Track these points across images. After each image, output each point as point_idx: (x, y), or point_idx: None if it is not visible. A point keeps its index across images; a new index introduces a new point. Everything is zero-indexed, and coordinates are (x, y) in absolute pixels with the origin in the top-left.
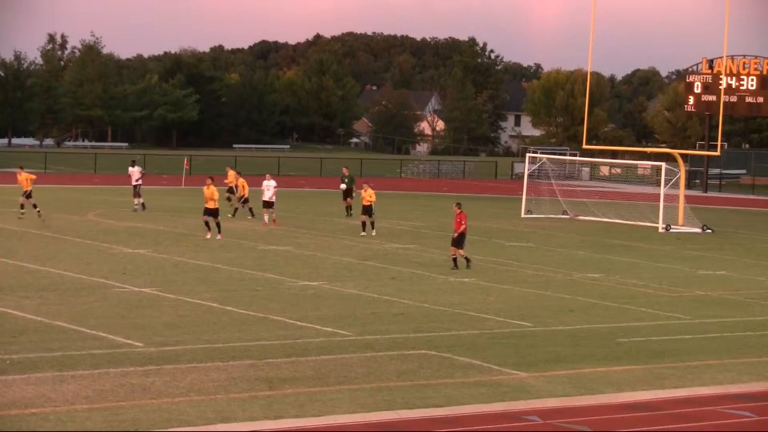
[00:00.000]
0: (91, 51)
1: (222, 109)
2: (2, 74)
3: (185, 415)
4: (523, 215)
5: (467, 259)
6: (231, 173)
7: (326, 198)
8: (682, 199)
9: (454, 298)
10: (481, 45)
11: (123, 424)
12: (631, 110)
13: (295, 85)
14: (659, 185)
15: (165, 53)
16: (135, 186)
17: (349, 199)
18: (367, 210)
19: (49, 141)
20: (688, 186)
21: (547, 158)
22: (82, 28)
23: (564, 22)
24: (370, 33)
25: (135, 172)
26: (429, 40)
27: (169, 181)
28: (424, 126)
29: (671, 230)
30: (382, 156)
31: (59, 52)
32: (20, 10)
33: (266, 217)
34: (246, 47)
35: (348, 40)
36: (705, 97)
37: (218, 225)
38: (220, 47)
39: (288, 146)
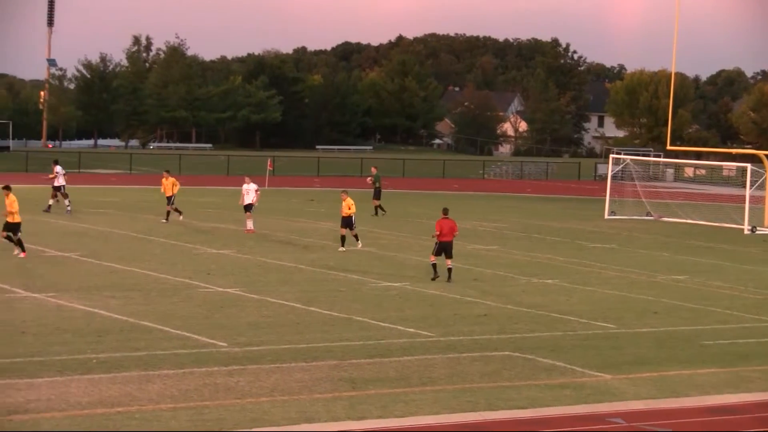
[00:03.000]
0: (175, 53)
1: (305, 110)
2: (89, 76)
3: (269, 415)
4: (606, 216)
5: (448, 270)
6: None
7: (408, 199)
8: None
9: (536, 300)
10: (563, 45)
11: (207, 423)
12: (715, 111)
13: (377, 86)
14: (744, 187)
15: (248, 55)
16: (60, 187)
17: (376, 201)
18: (347, 222)
19: (134, 142)
20: None
21: (631, 159)
22: (167, 30)
23: (647, 22)
24: (452, 34)
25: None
26: (511, 40)
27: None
28: (507, 127)
29: (757, 232)
30: (464, 157)
31: (144, 54)
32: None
33: (249, 223)
34: (329, 48)
35: (430, 41)
36: None
37: (20, 241)
38: (303, 49)
39: (370, 147)
